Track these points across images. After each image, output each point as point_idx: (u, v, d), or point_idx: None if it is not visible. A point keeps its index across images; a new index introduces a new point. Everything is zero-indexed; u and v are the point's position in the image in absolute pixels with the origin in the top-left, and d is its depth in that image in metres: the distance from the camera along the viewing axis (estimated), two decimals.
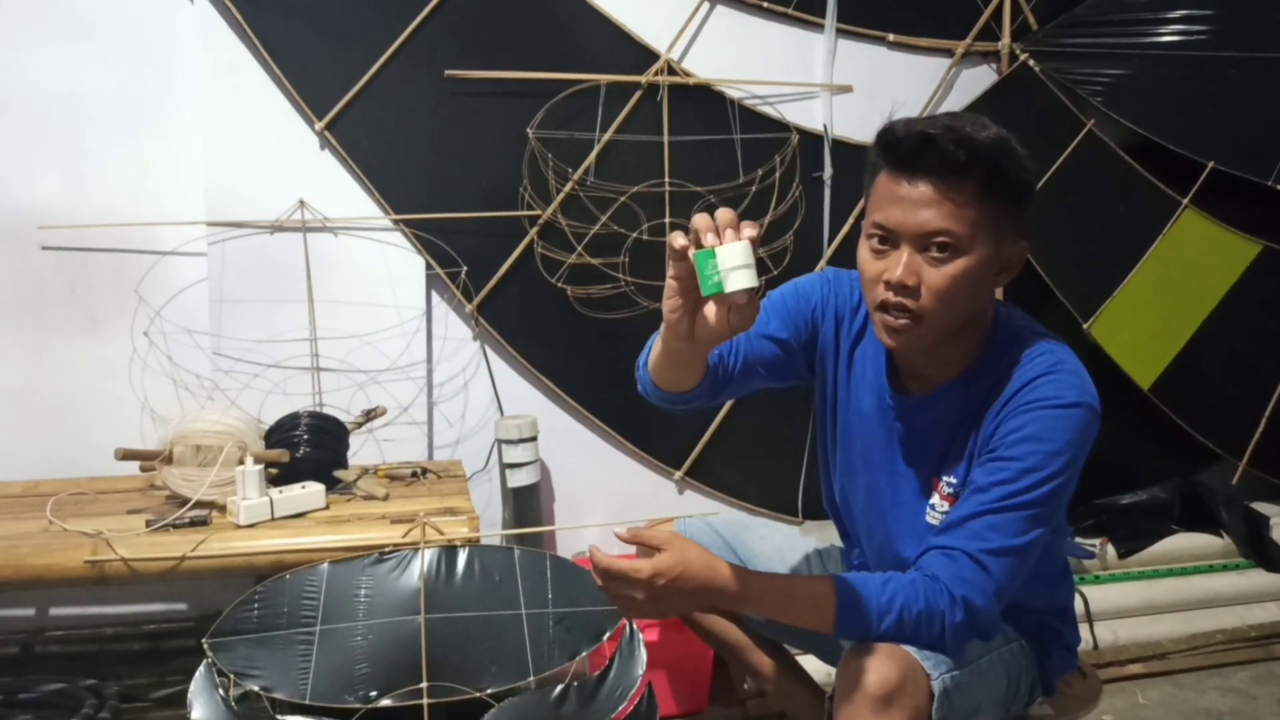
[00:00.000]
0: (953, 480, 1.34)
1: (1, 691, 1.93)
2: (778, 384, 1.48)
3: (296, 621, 1.44)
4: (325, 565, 1.51)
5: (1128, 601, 2.48)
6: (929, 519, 1.36)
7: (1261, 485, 2.78)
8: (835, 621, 1.22)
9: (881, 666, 1.17)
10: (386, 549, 1.56)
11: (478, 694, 1.34)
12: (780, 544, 1.68)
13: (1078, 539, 2.55)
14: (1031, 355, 1.29)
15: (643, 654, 1.42)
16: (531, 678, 1.37)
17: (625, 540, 1.23)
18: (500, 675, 1.38)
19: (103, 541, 1.70)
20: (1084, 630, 2.36)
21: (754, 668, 1.67)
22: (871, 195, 1.28)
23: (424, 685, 1.34)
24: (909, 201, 1.21)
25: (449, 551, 1.55)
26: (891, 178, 1.23)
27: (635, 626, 1.47)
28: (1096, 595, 2.45)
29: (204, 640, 1.39)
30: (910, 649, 1.21)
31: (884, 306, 1.25)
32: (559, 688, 1.38)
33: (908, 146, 1.21)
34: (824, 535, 1.82)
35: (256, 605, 1.45)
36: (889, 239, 1.24)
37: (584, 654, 1.41)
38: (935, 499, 1.35)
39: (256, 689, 1.34)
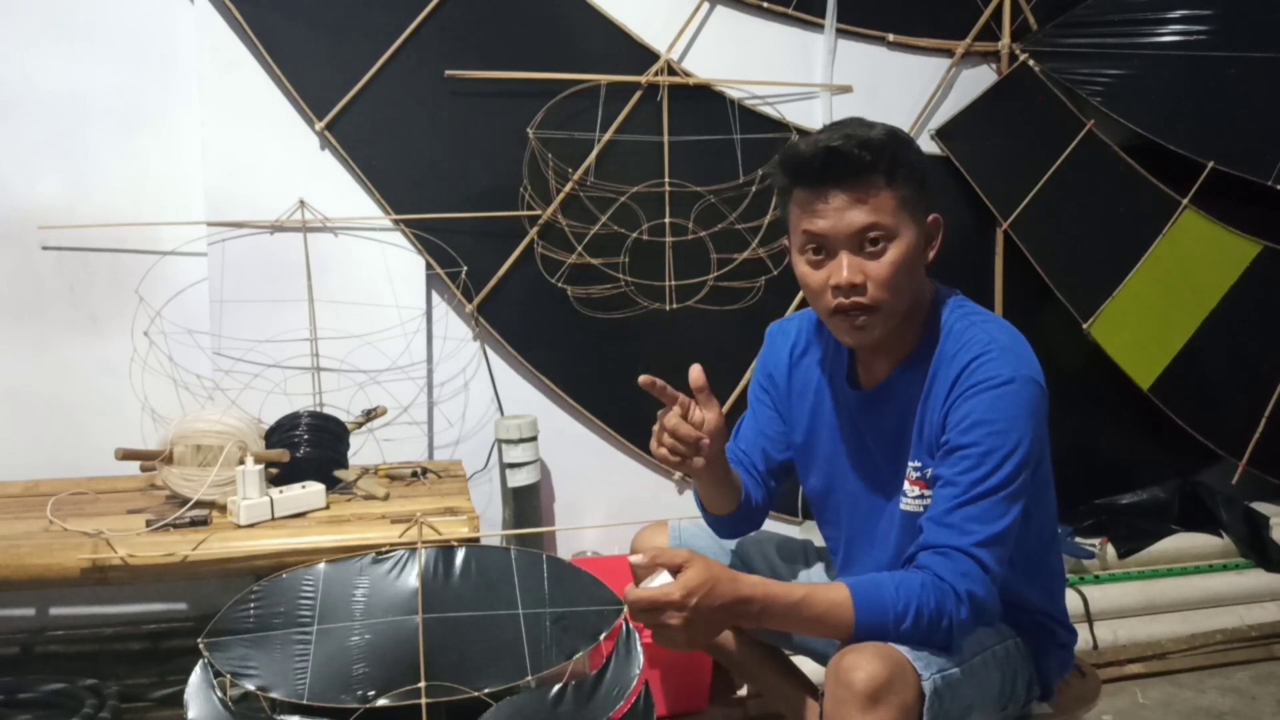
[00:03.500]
0: (917, 464, 1.38)
1: (2, 691, 1.93)
2: None
3: (294, 621, 1.43)
4: (322, 565, 1.51)
5: (1127, 601, 2.48)
6: (904, 506, 1.39)
7: (1261, 485, 2.78)
8: (854, 630, 1.24)
9: (869, 664, 1.18)
10: (383, 549, 1.56)
11: (476, 694, 1.34)
12: (779, 545, 1.68)
13: (1078, 539, 2.55)
14: (966, 338, 1.34)
15: (640, 653, 1.41)
16: (529, 677, 1.37)
17: (643, 565, 1.23)
18: (498, 675, 1.38)
19: (103, 541, 1.70)
20: (1083, 630, 2.36)
21: (751, 672, 1.67)
22: (792, 214, 1.36)
23: (422, 685, 1.34)
24: (833, 210, 1.30)
25: (446, 551, 1.55)
26: (809, 194, 1.32)
27: (632, 625, 1.46)
28: (1096, 595, 2.45)
29: (200, 640, 1.38)
30: (901, 648, 1.22)
31: (839, 310, 1.33)
32: (557, 687, 1.38)
33: (817, 163, 1.29)
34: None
35: (253, 605, 1.45)
36: (823, 249, 1.32)
37: (581, 653, 1.41)
38: (906, 485, 1.39)
39: (253, 689, 1.34)
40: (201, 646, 1.38)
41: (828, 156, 1.28)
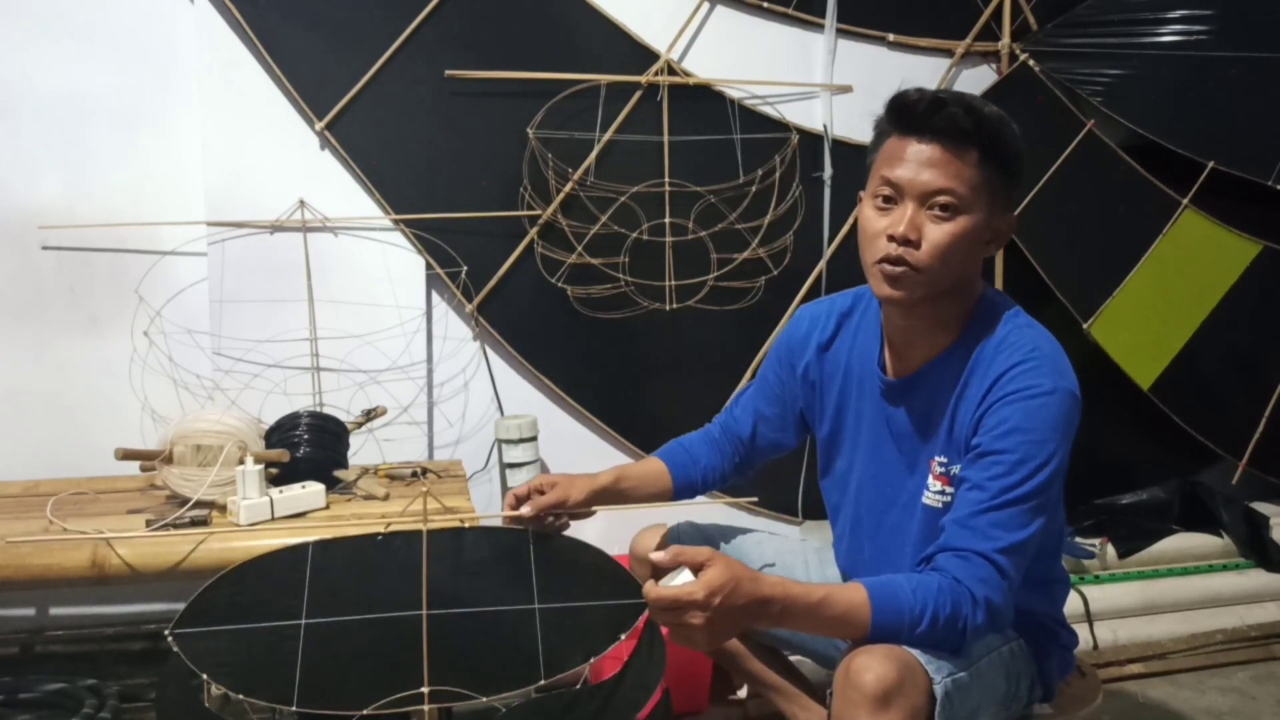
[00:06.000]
0: (943, 460, 1.37)
1: (2, 691, 1.93)
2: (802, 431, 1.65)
3: (278, 612, 1.32)
4: (310, 545, 1.38)
5: (1127, 601, 2.48)
6: (926, 500, 1.39)
7: (1261, 485, 2.78)
8: (870, 631, 1.23)
9: (879, 666, 1.17)
10: (387, 525, 1.45)
11: (483, 700, 1.27)
12: (778, 548, 1.68)
13: (1078, 539, 2.55)
14: (1008, 342, 1.34)
15: (662, 655, 1.33)
16: (542, 680, 1.29)
17: (665, 563, 1.22)
18: (507, 674, 1.30)
19: (103, 541, 1.70)
20: (1084, 630, 2.36)
21: (752, 673, 1.67)
22: (878, 157, 1.36)
23: (425, 690, 1.27)
24: (917, 160, 1.30)
25: (454, 535, 1.46)
26: (901, 138, 1.32)
27: (656, 624, 1.40)
28: (1096, 595, 2.45)
29: (168, 631, 1.25)
30: (913, 650, 1.21)
31: (885, 258, 1.32)
32: (572, 690, 1.33)
33: (921, 108, 1.30)
34: (822, 536, 1.82)
35: (232, 591, 1.32)
36: (894, 197, 1.32)
37: (600, 655, 1.32)
38: (930, 479, 1.38)
39: (231, 693, 1.22)
40: (170, 640, 1.24)
41: (933, 106, 1.29)
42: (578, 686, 1.34)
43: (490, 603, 1.37)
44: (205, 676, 1.22)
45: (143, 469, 1.95)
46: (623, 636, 1.29)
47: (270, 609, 1.33)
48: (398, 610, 1.34)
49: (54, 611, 2.21)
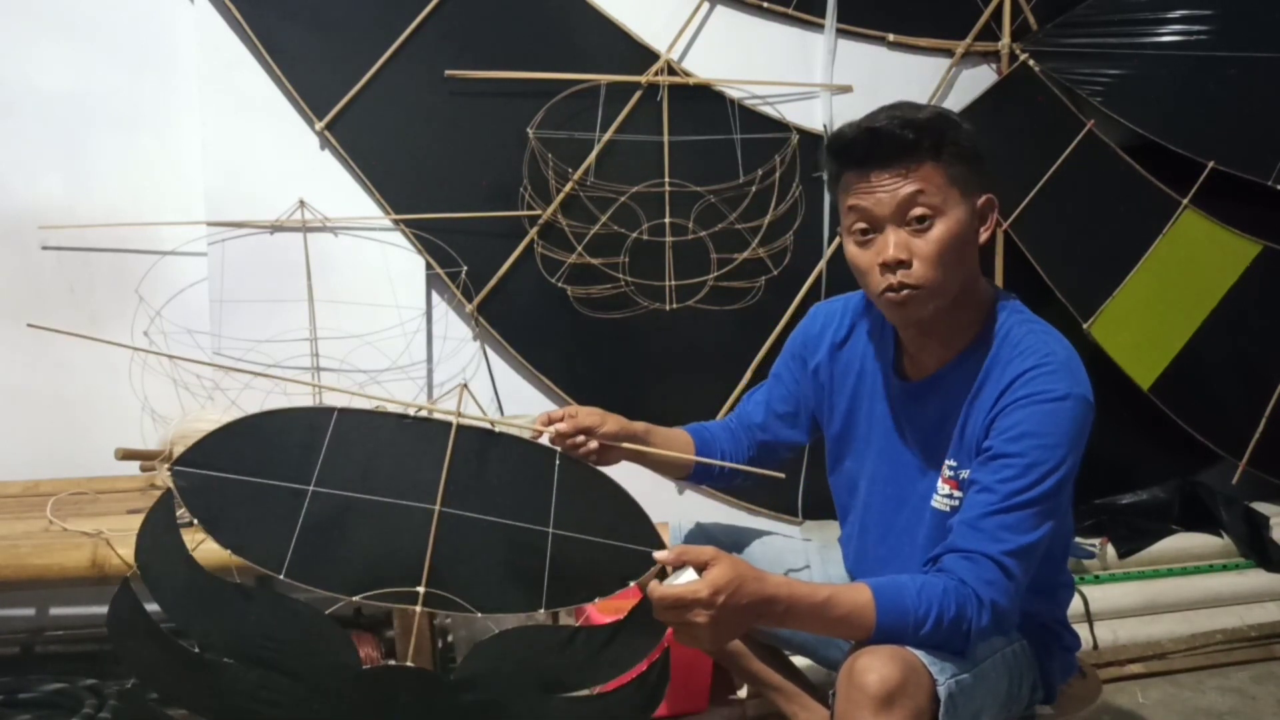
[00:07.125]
0: (953, 464, 1.37)
1: (2, 691, 1.93)
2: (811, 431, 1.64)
3: (286, 473, 1.23)
4: (335, 412, 1.28)
5: (1128, 601, 2.48)
6: (935, 504, 1.38)
7: (1261, 485, 2.78)
8: (874, 632, 1.23)
9: (883, 666, 1.17)
10: (417, 410, 1.35)
11: (478, 615, 1.21)
12: (781, 547, 1.68)
13: (1078, 539, 2.55)
14: (1023, 346, 1.33)
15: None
16: (542, 610, 1.23)
17: (669, 562, 1.22)
18: (509, 594, 1.23)
19: (103, 541, 1.70)
20: (1084, 630, 2.36)
21: (752, 673, 1.67)
22: (841, 197, 1.36)
23: (421, 590, 1.19)
24: (880, 188, 1.30)
25: (484, 437, 1.35)
26: (857, 174, 1.32)
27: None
28: (1096, 595, 2.44)
29: (167, 466, 1.16)
30: (916, 651, 1.21)
31: (887, 289, 1.32)
32: (569, 627, 1.26)
33: (861, 145, 1.30)
34: (824, 535, 1.82)
35: (242, 440, 1.22)
36: (871, 228, 1.32)
37: (606, 597, 1.26)
38: (939, 483, 1.38)
39: (223, 547, 1.15)
40: (168, 475, 1.16)
41: (871, 137, 1.29)
42: (576, 623, 1.29)
43: (504, 514, 1.30)
44: (195, 522, 1.18)
45: (143, 469, 1.95)
46: (631, 584, 1.24)
47: (278, 468, 1.25)
48: (411, 500, 1.28)
49: (54, 611, 2.21)
